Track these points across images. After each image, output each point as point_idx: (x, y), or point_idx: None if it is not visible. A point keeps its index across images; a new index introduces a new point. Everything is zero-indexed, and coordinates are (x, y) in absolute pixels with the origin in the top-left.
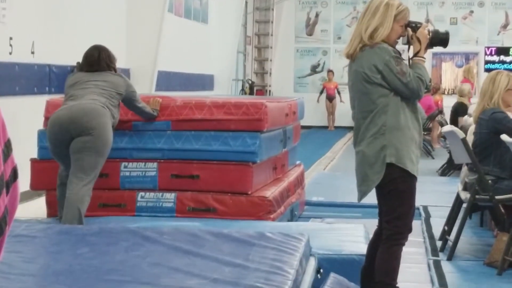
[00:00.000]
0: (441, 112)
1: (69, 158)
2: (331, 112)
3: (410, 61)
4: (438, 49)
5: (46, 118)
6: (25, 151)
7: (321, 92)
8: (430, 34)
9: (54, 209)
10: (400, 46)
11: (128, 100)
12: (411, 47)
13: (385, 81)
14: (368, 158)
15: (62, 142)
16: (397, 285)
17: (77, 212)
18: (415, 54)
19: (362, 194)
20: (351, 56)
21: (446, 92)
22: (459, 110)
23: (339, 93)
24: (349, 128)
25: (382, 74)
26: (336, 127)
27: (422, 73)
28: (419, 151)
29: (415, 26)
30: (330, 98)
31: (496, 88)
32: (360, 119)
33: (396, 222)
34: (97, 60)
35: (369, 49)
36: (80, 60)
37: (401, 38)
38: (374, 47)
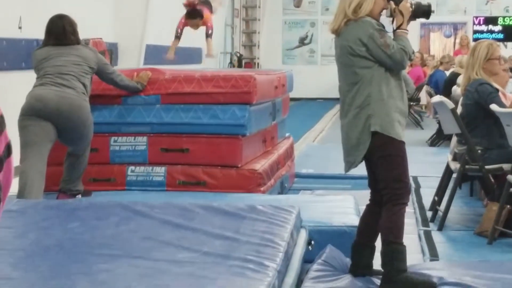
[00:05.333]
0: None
1: (37, 130)
2: None
3: (394, 33)
4: (426, 19)
5: None
6: (14, 126)
7: None
8: (413, 6)
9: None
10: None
11: (102, 74)
12: (395, 19)
13: (369, 54)
14: (354, 129)
15: (38, 119)
16: (403, 244)
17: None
18: (398, 27)
19: (350, 165)
20: (336, 31)
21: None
22: (454, 80)
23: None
24: (337, 100)
25: (366, 46)
26: (325, 99)
27: (406, 45)
28: (404, 119)
29: (397, 0)
30: None
31: (475, 59)
32: (345, 91)
33: (393, 184)
34: (63, 33)
35: (353, 23)
36: None
37: (384, 11)
38: (358, 21)
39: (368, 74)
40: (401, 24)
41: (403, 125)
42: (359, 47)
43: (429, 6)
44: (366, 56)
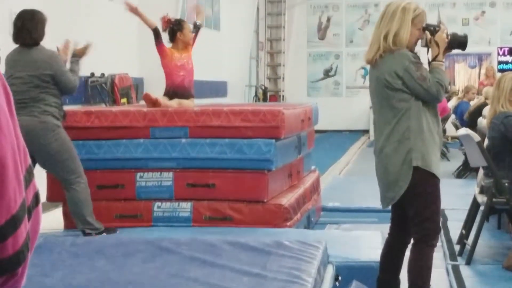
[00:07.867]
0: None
1: None
2: None
3: (429, 65)
4: (462, 51)
5: (64, 128)
6: None
7: None
8: (449, 37)
9: (71, 221)
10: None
11: (58, 80)
12: (431, 50)
13: (405, 87)
14: (394, 163)
15: None
16: (430, 286)
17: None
18: (434, 58)
19: (389, 200)
20: (371, 62)
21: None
22: (479, 111)
23: None
24: (363, 132)
25: (402, 80)
26: (351, 131)
27: (442, 78)
28: (439, 153)
29: (433, 30)
30: None
31: (501, 91)
32: (382, 124)
33: (425, 224)
34: (19, 30)
35: (389, 55)
36: (92, 71)
37: (419, 41)
38: (394, 53)
39: (405, 107)
40: (436, 56)
41: (439, 159)
42: (395, 80)
43: (465, 37)
44: (402, 89)
